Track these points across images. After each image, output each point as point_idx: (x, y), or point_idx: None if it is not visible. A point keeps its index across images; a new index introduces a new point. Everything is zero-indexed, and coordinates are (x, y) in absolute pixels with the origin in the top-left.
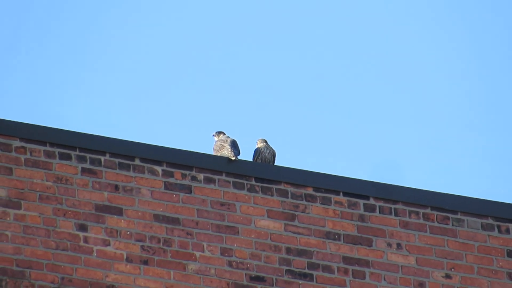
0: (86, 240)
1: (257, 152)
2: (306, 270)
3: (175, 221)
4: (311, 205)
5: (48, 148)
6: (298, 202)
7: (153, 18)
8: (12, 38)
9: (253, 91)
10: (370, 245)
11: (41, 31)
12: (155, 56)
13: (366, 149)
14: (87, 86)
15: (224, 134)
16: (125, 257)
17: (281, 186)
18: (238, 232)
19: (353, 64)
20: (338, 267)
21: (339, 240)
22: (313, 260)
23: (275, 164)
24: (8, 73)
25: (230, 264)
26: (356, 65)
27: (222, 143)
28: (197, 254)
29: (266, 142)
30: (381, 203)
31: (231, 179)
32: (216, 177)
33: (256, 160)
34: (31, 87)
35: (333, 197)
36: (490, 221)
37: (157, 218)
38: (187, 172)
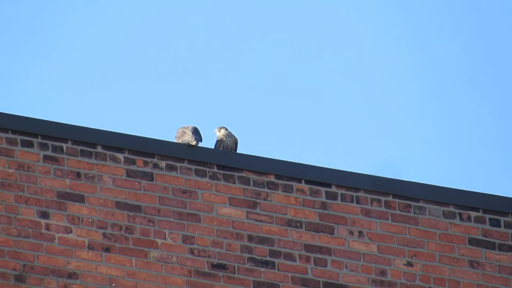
0: (48, 227)
1: (219, 142)
2: (268, 258)
3: (137, 208)
4: (273, 193)
5: (10, 135)
6: (260, 189)
7: (120, 5)
8: None
9: (216, 79)
10: (332, 233)
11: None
12: (117, 43)
13: (337, 138)
14: (51, 74)
15: (226, 129)
16: (86, 244)
17: (243, 174)
18: (200, 219)
19: (327, 56)
20: (299, 255)
21: (301, 227)
22: (275, 248)
23: (237, 151)
24: None
25: (191, 251)
26: (333, 58)
27: (184, 130)
28: (159, 241)
29: (226, 129)
30: (343, 191)
31: (193, 167)
32: (178, 164)
33: (218, 148)
34: None
35: (295, 185)
36: (452, 209)
37: (119, 205)
38: (149, 160)
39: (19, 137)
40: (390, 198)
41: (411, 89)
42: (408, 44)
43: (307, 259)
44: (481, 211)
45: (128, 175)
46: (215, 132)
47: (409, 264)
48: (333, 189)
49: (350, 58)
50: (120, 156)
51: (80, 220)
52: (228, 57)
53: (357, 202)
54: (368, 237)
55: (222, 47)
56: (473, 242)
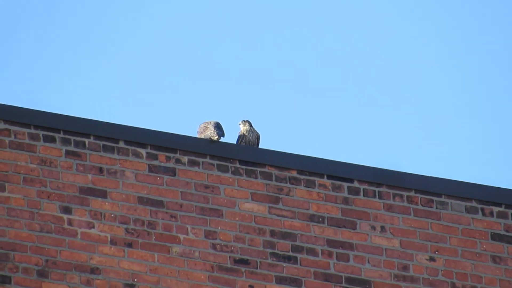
0: (70, 222)
1: (241, 137)
2: (290, 253)
3: (159, 203)
4: (295, 188)
5: (32, 130)
6: (282, 185)
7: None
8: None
9: (239, 74)
10: (354, 228)
11: (33, 17)
12: (141, 38)
13: (356, 133)
14: (73, 70)
15: (250, 124)
16: (109, 239)
17: (265, 169)
18: (222, 215)
19: (344, 46)
20: (322, 250)
21: (323, 223)
22: (297, 243)
23: (259, 147)
24: None
25: (214, 247)
26: (347, 48)
27: (206, 125)
28: (181, 236)
29: (250, 124)
30: (365, 186)
31: (215, 162)
32: (200, 159)
33: (240, 143)
34: (17, 69)
35: (317, 180)
36: (474, 204)
37: (141, 200)
38: (171, 155)
39: (41, 133)
40: (412, 193)
41: (432, 84)
42: (453, 41)
43: (330, 254)
44: (503, 206)
45: (150, 170)
46: (239, 125)
47: (432, 259)
48: (356, 184)
49: (372, 53)
50: (143, 151)
51: (103, 216)
52: (251, 52)
53: (380, 197)
54: (390, 232)
55: (245, 42)
56: (495, 237)
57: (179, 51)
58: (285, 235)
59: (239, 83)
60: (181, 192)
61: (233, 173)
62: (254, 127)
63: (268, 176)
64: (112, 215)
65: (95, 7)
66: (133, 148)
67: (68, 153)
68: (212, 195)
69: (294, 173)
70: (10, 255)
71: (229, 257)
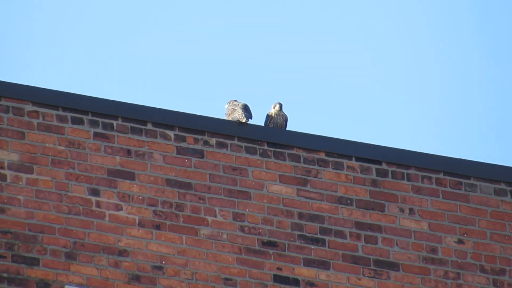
0: (98, 204)
1: (269, 117)
2: (318, 235)
3: (187, 185)
4: (324, 170)
5: (60, 112)
6: (310, 167)
7: None
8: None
9: (267, 55)
10: (383, 210)
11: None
12: (167, 21)
13: (381, 113)
14: (100, 51)
15: (236, 100)
16: (137, 221)
17: (293, 151)
18: (250, 197)
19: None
20: (350, 232)
21: (351, 205)
22: (325, 225)
23: (287, 128)
24: (15, 36)
25: (242, 229)
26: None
27: (234, 107)
28: (209, 219)
29: (281, 107)
30: (394, 168)
31: (243, 144)
32: (228, 141)
33: (268, 125)
34: (46, 51)
35: (346, 162)
36: (503, 186)
37: (169, 182)
38: (199, 137)
39: (69, 114)
40: (441, 176)
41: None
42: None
43: (358, 237)
44: None
45: (178, 152)
46: (272, 107)
47: (460, 241)
48: (384, 166)
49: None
50: (171, 133)
51: (131, 198)
52: (276, 32)
53: (408, 180)
54: (418, 215)
55: (276, 25)
56: None
57: (209, 34)
58: (313, 217)
59: (267, 64)
60: (209, 174)
61: (261, 155)
62: (283, 110)
63: (296, 158)
64: (140, 197)
65: None
66: (161, 130)
67: (96, 135)
68: (240, 177)
69: (322, 155)
70: (38, 237)
71: (257, 239)
